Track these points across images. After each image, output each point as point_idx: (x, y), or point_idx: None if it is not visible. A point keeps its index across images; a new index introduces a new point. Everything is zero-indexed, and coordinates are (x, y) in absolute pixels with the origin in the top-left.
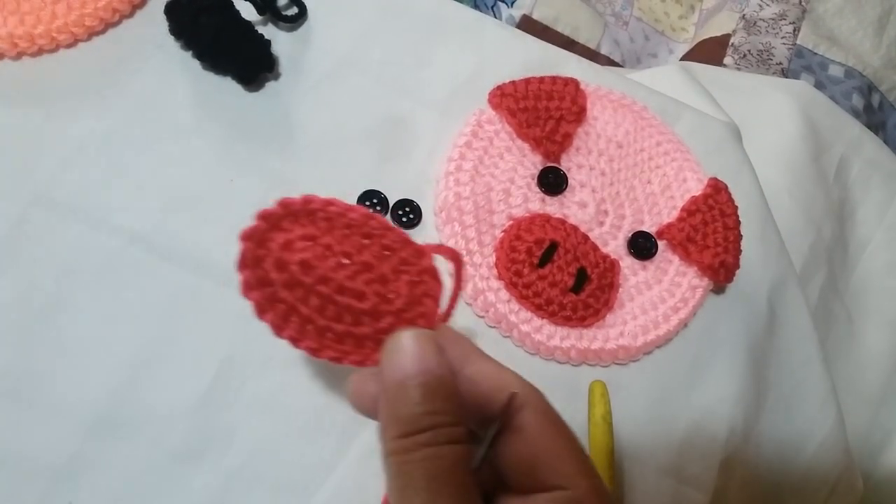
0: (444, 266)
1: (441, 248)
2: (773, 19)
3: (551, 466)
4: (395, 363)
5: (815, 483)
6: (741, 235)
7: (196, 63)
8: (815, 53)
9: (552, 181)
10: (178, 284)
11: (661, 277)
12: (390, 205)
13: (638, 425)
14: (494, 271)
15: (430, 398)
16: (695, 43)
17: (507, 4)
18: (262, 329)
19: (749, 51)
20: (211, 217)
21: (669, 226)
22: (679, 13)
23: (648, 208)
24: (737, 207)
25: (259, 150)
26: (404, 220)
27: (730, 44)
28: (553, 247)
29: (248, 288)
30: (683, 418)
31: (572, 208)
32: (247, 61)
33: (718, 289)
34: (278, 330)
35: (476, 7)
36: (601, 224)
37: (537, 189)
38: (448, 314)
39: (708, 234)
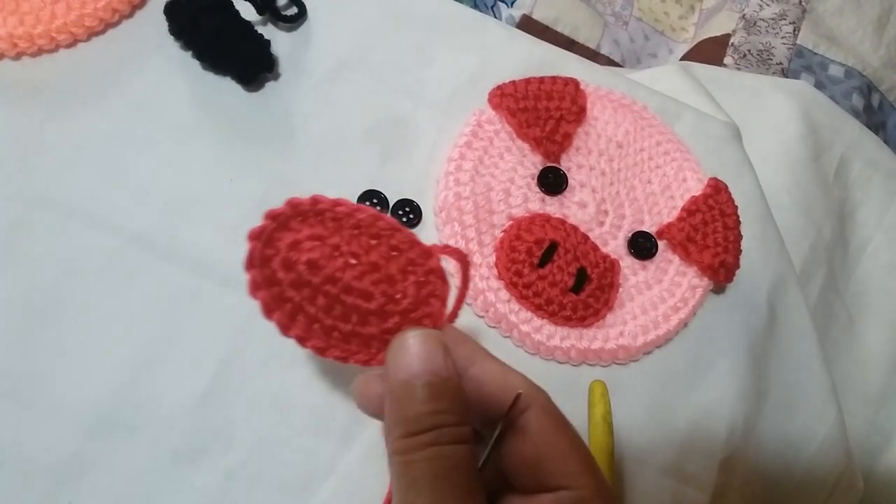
0: (449, 267)
1: (448, 249)
2: (773, 19)
3: (556, 466)
4: (400, 362)
5: (815, 483)
6: (741, 235)
7: (196, 63)
8: (815, 53)
9: (552, 181)
10: (177, 284)
11: (661, 277)
12: (390, 205)
13: (638, 425)
14: (494, 271)
15: (436, 398)
16: (695, 43)
17: (507, 4)
18: (262, 329)
19: (749, 51)
20: (211, 217)
21: (669, 226)
22: (679, 13)
23: (648, 208)
24: (737, 207)
25: (259, 150)
26: (404, 220)
27: (730, 44)
28: (553, 247)
29: (255, 287)
30: (683, 418)
31: (572, 208)
32: (246, 61)
33: (718, 289)
34: (285, 329)
35: (476, 7)
36: (601, 224)
37: (537, 189)
38: (454, 315)
39: (708, 233)
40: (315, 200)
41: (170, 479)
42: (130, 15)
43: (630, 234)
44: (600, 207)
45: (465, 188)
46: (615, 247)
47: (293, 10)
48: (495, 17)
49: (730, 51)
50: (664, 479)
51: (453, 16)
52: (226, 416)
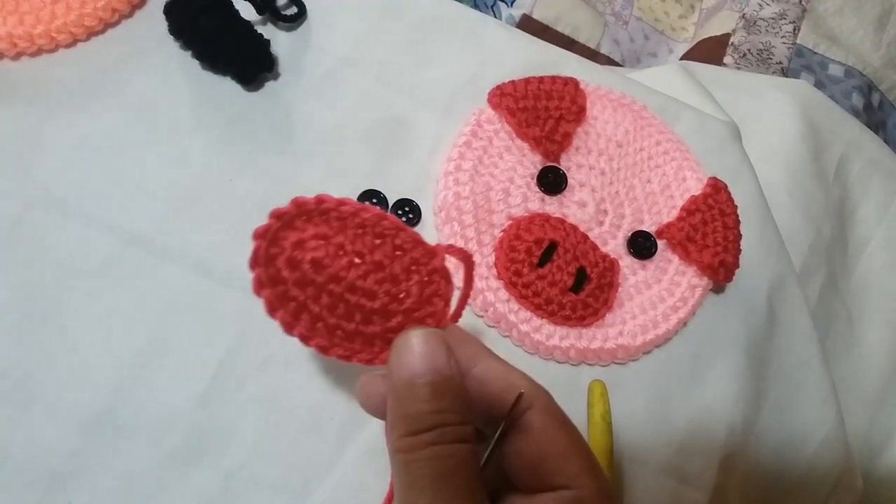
0: (452, 267)
1: (452, 249)
2: (772, 18)
3: (557, 466)
4: (403, 361)
5: (815, 482)
6: (741, 235)
7: (195, 63)
8: (815, 53)
9: (551, 181)
10: (177, 284)
11: (660, 277)
12: (390, 204)
13: (637, 425)
14: (494, 271)
15: (438, 397)
16: (695, 42)
17: (507, 4)
18: (262, 329)
19: (749, 50)
20: (210, 217)
21: (669, 225)
22: (679, 12)
23: (648, 208)
24: (736, 207)
25: (259, 150)
26: (404, 219)
27: (730, 43)
28: (552, 246)
29: (259, 285)
30: (683, 417)
31: (572, 208)
32: (246, 61)
33: (718, 288)
34: (289, 327)
35: (476, 7)
36: (601, 223)
37: (537, 189)
38: (458, 314)
39: (707, 233)
40: (320, 200)
41: (169, 480)
42: (130, 15)
43: (629, 234)
44: (600, 207)
45: (464, 188)
46: (614, 246)
47: (293, 10)
48: (495, 17)
49: (730, 50)
50: (663, 478)
51: (453, 16)
52: (225, 415)
